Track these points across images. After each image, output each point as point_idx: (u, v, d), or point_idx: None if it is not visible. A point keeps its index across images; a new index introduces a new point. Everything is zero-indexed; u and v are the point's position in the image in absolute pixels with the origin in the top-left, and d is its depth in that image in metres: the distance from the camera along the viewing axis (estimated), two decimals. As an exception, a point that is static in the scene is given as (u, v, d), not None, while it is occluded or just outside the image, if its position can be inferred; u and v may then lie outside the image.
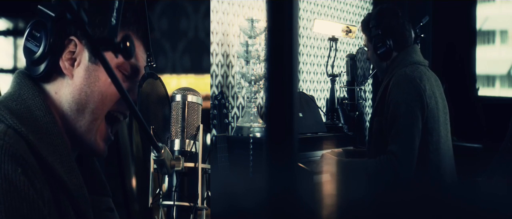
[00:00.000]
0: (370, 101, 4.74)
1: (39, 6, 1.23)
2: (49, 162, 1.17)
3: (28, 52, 1.25)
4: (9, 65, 2.97)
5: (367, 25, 2.80)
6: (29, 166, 1.13)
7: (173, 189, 1.25)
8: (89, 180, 1.34)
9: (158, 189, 1.28)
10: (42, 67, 1.25)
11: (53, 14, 1.21)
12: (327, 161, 2.77)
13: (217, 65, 3.22)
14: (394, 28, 2.73)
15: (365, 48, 3.44)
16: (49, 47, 1.22)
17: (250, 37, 3.11)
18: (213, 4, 3.18)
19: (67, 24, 1.24)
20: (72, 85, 1.26)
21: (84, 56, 1.26)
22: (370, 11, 4.71)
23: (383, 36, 2.72)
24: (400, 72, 2.66)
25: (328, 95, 3.65)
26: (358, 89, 3.42)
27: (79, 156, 1.35)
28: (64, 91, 1.27)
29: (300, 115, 3.19)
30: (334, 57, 3.52)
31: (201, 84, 3.17)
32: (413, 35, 2.80)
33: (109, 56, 1.24)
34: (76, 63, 1.26)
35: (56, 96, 1.27)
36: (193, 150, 1.29)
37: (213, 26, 3.18)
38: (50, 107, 1.24)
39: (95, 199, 1.34)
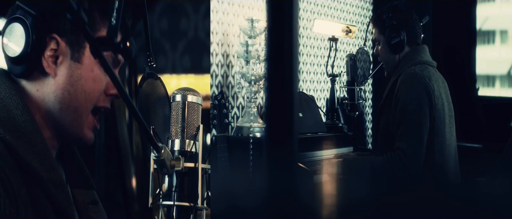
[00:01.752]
0: (370, 101, 4.74)
1: (18, 2, 1.22)
2: (28, 161, 1.16)
3: (8, 51, 1.22)
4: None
5: (380, 17, 2.81)
6: (5, 172, 1.11)
7: (173, 189, 1.26)
8: (72, 174, 1.33)
9: (158, 189, 1.28)
10: (23, 66, 1.22)
11: (33, 12, 1.20)
12: (332, 161, 2.78)
13: (217, 65, 3.22)
14: (408, 22, 2.77)
15: (365, 49, 3.44)
16: (31, 46, 1.20)
17: (250, 37, 3.11)
18: (213, 4, 3.18)
19: (47, 21, 1.21)
20: (55, 84, 1.24)
21: (67, 54, 1.24)
22: (370, 11, 4.72)
23: (398, 27, 2.74)
24: (410, 70, 2.68)
25: (328, 95, 3.65)
26: (358, 89, 3.41)
27: (61, 151, 1.33)
28: (46, 89, 1.24)
29: (300, 115, 3.19)
30: (334, 57, 3.52)
31: (201, 84, 3.17)
32: (421, 35, 2.83)
33: (88, 52, 1.24)
34: (58, 61, 1.24)
35: (37, 94, 1.25)
36: (193, 150, 1.29)
37: (213, 26, 3.18)
38: (28, 106, 1.22)
39: (79, 192, 1.33)
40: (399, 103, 2.62)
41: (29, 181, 1.16)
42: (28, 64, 1.22)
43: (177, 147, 1.28)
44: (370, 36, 2.96)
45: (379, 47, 2.84)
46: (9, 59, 1.23)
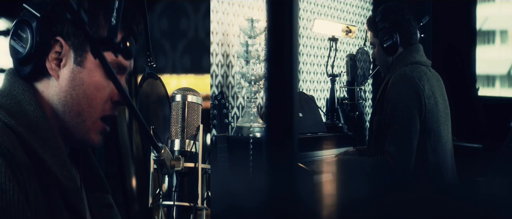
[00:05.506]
0: (370, 101, 4.74)
1: (24, 4, 1.23)
2: (40, 155, 1.17)
3: (14, 52, 1.25)
4: (9, 65, 2.97)
5: (374, 20, 2.81)
6: (15, 160, 1.12)
7: (173, 189, 1.25)
8: (87, 177, 1.33)
9: (158, 189, 1.28)
10: (28, 67, 1.24)
11: (38, 14, 1.21)
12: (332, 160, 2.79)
13: (217, 65, 3.22)
14: (401, 23, 2.76)
15: (365, 49, 3.44)
16: (35, 47, 1.22)
17: (250, 37, 3.11)
18: (213, 4, 3.18)
19: (52, 24, 1.23)
20: (58, 86, 1.26)
21: (70, 57, 1.25)
22: (370, 11, 4.72)
23: (390, 30, 2.73)
24: (400, 71, 2.67)
25: (328, 95, 3.65)
26: (358, 89, 3.41)
27: (76, 152, 1.34)
28: (50, 91, 1.26)
29: (300, 115, 3.19)
30: (334, 57, 3.52)
31: (201, 84, 3.17)
32: (418, 34, 2.82)
33: (91, 57, 1.25)
34: (62, 64, 1.26)
35: (43, 96, 1.27)
36: (193, 150, 1.29)
37: (213, 26, 3.18)
38: (40, 103, 1.24)
39: (93, 196, 1.33)
40: (389, 105, 2.61)
41: (40, 174, 1.17)
42: (33, 65, 1.24)
43: (177, 147, 1.28)
44: (369, 38, 2.97)
45: (375, 50, 2.85)
46: (16, 60, 1.26)
